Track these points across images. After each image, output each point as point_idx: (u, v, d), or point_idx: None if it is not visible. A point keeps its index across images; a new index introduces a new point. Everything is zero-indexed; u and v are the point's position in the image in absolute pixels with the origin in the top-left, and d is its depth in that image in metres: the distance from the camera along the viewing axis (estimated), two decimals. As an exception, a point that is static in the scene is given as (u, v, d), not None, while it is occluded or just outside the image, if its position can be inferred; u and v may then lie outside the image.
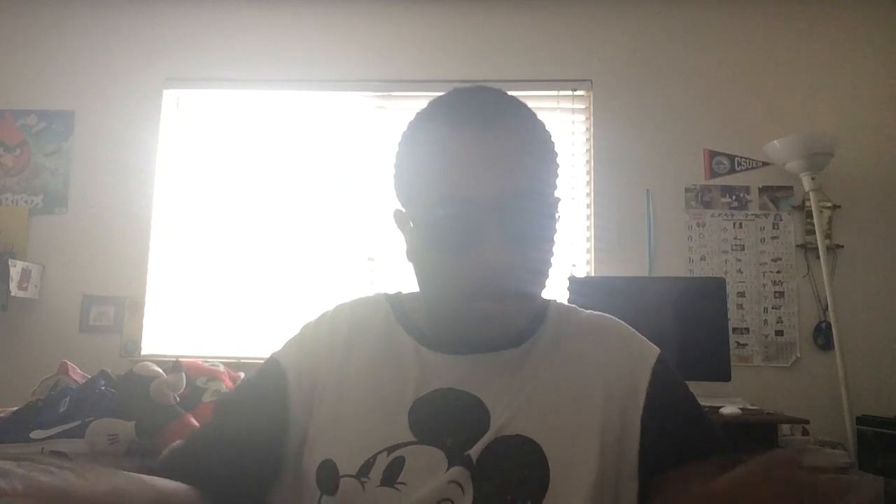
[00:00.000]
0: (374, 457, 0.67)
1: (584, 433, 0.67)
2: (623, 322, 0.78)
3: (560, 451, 0.66)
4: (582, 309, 0.80)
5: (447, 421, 0.68)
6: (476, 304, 0.65)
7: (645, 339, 0.76)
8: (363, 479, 0.66)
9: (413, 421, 0.68)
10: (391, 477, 0.66)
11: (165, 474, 0.66)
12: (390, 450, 0.67)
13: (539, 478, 0.65)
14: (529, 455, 0.66)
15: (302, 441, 0.72)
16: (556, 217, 0.69)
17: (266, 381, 0.75)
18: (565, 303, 0.81)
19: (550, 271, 0.69)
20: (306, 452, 0.71)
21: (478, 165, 0.64)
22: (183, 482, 0.66)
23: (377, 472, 0.66)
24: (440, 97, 0.71)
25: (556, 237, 0.70)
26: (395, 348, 0.74)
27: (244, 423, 0.72)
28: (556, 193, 0.71)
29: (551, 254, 0.69)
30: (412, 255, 0.72)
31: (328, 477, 0.68)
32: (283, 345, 0.80)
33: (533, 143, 0.68)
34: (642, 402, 0.69)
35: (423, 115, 0.70)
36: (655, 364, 0.72)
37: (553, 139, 0.73)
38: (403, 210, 0.73)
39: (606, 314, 0.79)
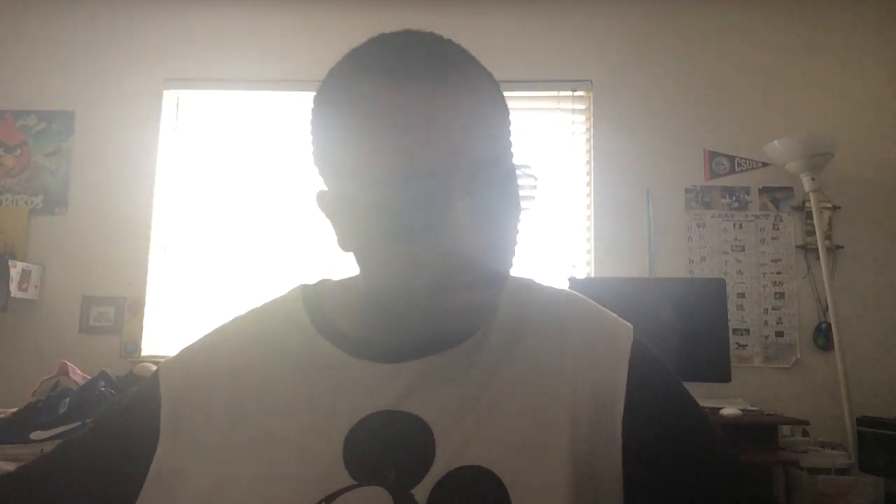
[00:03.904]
0: None
1: (550, 450, 0.58)
2: (589, 300, 0.67)
3: (522, 479, 0.56)
4: (541, 285, 0.68)
5: (387, 452, 0.57)
6: (444, 296, 0.54)
7: (615, 316, 0.66)
8: None
9: (349, 458, 0.57)
10: None
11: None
12: (329, 499, 0.56)
13: None
14: (487, 491, 0.56)
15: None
16: (520, 187, 0.57)
17: (138, 407, 0.63)
18: (520, 277, 0.67)
19: (518, 250, 0.59)
20: None
21: (434, 130, 0.51)
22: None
23: None
24: (361, 47, 0.58)
25: (522, 211, 0.58)
26: (319, 369, 0.61)
27: (103, 449, 0.62)
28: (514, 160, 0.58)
29: (519, 231, 0.57)
30: (351, 245, 0.60)
31: None
32: (173, 358, 0.66)
33: (490, 100, 0.55)
34: (622, 400, 0.59)
35: (345, 72, 0.56)
36: (632, 349, 0.62)
37: (502, 93, 0.59)
38: (328, 190, 0.60)
39: (571, 291, 0.68)
